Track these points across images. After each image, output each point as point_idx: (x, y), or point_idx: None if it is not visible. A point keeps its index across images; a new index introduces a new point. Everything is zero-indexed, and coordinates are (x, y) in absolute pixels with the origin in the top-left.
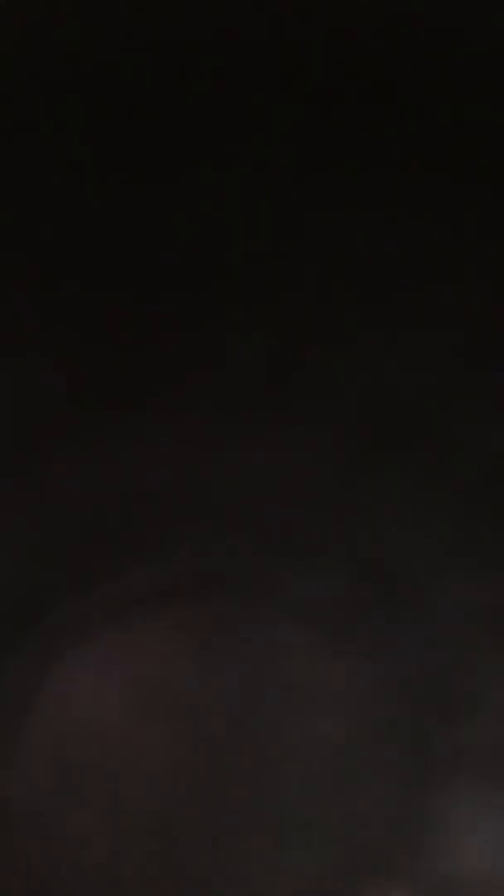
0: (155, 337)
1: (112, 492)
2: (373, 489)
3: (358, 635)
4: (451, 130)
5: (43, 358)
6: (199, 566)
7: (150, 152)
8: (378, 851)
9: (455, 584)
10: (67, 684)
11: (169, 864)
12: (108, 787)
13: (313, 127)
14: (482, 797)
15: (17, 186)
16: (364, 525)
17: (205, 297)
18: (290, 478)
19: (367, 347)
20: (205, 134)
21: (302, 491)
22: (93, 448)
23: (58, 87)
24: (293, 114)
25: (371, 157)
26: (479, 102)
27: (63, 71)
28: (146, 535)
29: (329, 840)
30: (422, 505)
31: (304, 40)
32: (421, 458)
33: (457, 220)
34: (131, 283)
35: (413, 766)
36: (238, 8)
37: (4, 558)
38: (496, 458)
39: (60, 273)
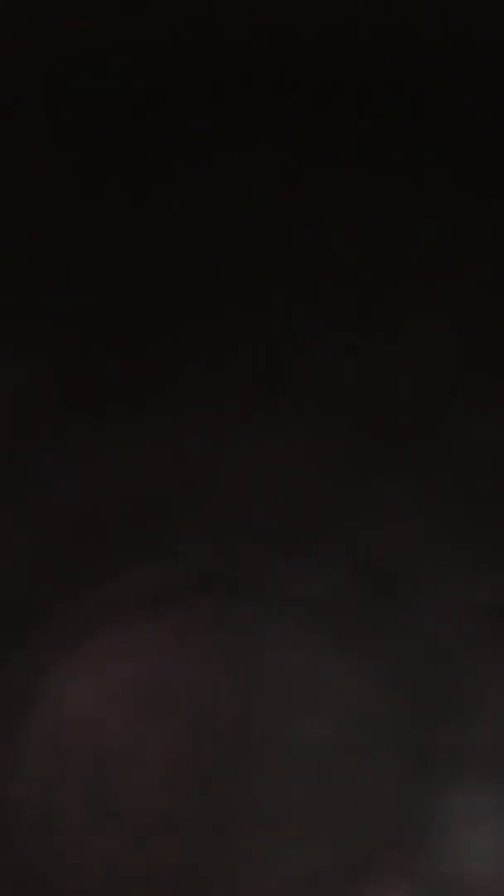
0: (154, 337)
1: (112, 492)
2: (373, 489)
3: (358, 635)
4: (452, 129)
5: (42, 359)
6: (198, 566)
7: (149, 152)
8: (378, 851)
9: (455, 584)
10: (67, 684)
11: (168, 864)
12: (107, 788)
13: (313, 127)
14: (482, 797)
15: (15, 187)
16: (364, 525)
17: (204, 297)
18: (290, 478)
19: (367, 347)
20: (203, 133)
21: (302, 491)
22: (93, 448)
23: (57, 86)
24: (293, 114)
25: (371, 156)
26: (480, 102)
27: (63, 70)
28: (146, 535)
29: (329, 840)
30: (422, 505)
31: (304, 40)
32: (421, 458)
33: (457, 220)
34: (131, 283)
35: (413, 766)
36: (237, 7)
37: (4, 558)
38: (496, 459)
39: (59, 274)
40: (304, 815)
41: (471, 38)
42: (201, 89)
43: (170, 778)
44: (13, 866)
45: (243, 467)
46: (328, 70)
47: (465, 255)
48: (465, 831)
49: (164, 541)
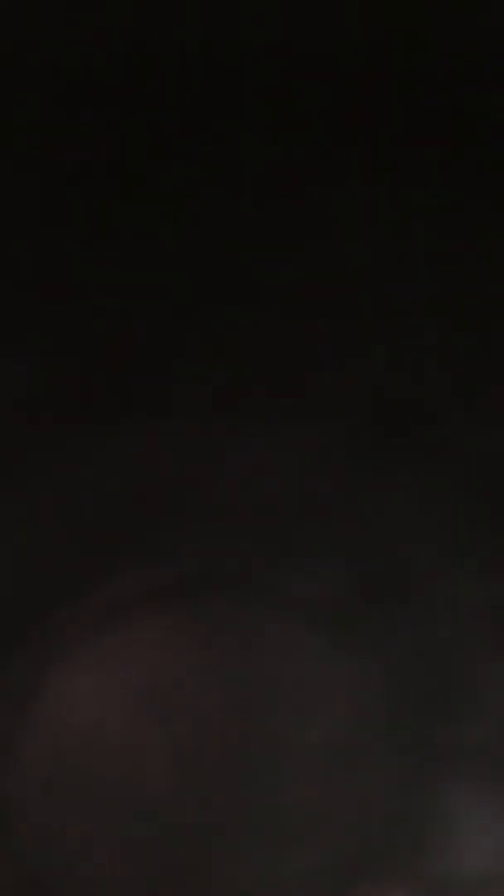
0: (154, 338)
1: (111, 492)
2: (373, 489)
3: (358, 635)
4: (452, 129)
5: (42, 359)
6: (198, 566)
7: (149, 158)
8: (378, 851)
9: (455, 584)
10: (67, 685)
11: (168, 864)
12: (107, 788)
13: (313, 126)
14: (482, 797)
15: (14, 188)
16: (364, 525)
17: (204, 299)
18: (290, 478)
19: (367, 348)
20: (203, 137)
21: (302, 491)
22: (92, 449)
23: (57, 86)
24: (292, 113)
25: (371, 157)
26: (480, 102)
27: (63, 70)
28: (145, 536)
29: (329, 840)
30: (422, 505)
31: (304, 41)
32: (421, 458)
33: (458, 222)
34: (130, 283)
35: (413, 766)
36: (237, 8)
37: (4, 559)
38: (496, 458)
39: (59, 274)
40: (305, 815)
41: (471, 38)
42: (201, 89)
43: (169, 778)
44: (13, 866)
45: (243, 467)
46: (328, 70)
47: (465, 255)
48: (465, 831)
49: (163, 541)
